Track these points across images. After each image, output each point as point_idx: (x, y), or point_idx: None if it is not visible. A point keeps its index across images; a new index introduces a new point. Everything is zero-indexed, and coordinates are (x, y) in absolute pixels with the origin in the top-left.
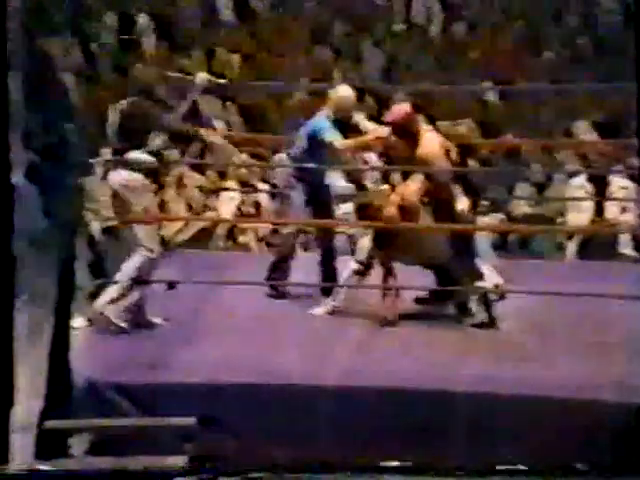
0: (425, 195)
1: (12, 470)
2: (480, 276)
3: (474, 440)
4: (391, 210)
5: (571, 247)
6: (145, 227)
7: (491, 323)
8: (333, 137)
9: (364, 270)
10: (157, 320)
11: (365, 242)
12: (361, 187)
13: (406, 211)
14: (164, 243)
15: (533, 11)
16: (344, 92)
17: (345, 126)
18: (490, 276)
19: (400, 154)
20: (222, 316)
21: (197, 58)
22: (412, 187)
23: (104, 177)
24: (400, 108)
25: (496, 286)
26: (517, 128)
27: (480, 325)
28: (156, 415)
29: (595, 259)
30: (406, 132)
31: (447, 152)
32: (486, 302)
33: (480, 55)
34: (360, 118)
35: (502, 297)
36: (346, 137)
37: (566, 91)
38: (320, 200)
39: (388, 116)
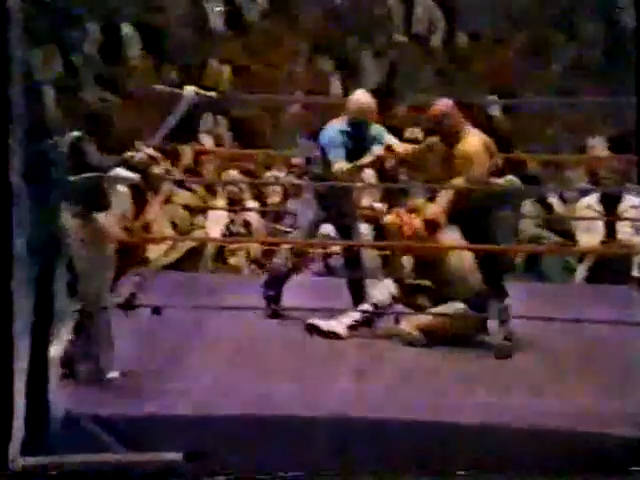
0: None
1: None
2: (506, 295)
3: (478, 471)
4: (417, 225)
5: (581, 270)
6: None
7: (509, 347)
8: (335, 158)
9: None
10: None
11: (388, 284)
12: None
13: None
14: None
15: (539, 21)
16: (362, 97)
17: (362, 136)
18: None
19: (438, 154)
20: (211, 342)
21: (187, 70)
22: (435, 207)
23: None
24: (442, 103)
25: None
26: (523, 143)
27: (500, 349)
28: (140, 449)
29: (606, 283)
30: (445, 128)
31: (489, 151)
32: (505, 322)
33: (483, 67)
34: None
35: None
36: (361, 148)
37: (574, 105)
38: (342, 214)
39: (430, 110)
